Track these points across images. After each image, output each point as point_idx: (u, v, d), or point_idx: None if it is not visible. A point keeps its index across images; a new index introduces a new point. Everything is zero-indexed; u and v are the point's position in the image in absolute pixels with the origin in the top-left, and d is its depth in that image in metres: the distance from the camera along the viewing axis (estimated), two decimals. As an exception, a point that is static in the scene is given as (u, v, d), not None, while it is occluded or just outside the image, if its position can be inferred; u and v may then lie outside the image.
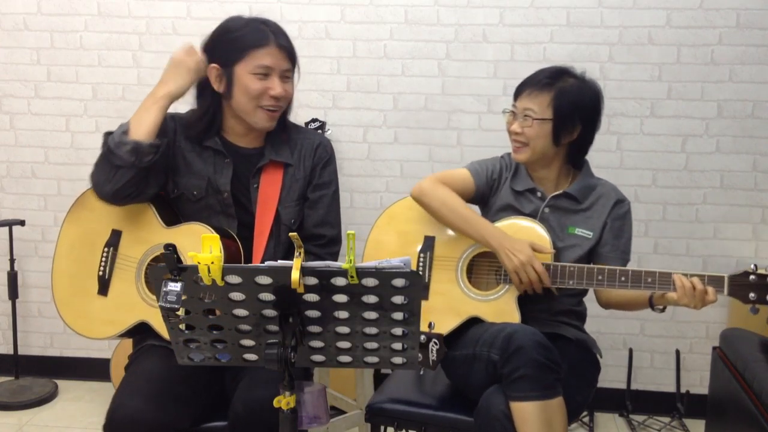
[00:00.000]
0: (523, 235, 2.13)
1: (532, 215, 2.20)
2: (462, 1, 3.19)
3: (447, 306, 2.14)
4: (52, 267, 2.13)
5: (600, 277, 2.05)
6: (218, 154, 2.10)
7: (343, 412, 2.83)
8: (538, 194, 2.22)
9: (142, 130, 1.96)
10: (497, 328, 1.99)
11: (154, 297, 2.02)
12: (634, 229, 3.22)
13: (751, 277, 1.94)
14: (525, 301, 2.15)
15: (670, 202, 3.22)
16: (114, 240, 2.09)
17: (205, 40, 2.10)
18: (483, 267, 2.21)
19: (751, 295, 1.94)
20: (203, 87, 2.09)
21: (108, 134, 1.99)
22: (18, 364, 3.44)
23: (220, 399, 1.99)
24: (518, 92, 2.19)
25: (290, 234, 1.44)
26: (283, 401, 1.47)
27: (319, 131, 3.07)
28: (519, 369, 1.87)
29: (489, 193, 2.29)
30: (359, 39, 3.26)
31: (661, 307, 2.07)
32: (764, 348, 2.34)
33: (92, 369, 3.52)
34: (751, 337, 2.45)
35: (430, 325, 2.02)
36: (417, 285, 1.39)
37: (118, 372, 3.19)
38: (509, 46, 3.20)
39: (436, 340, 1.90)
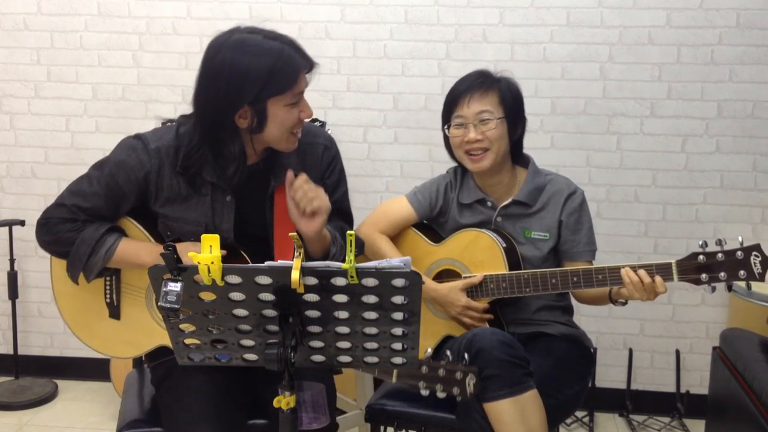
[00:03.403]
0: (475, 248, 2.15)
1: (485, 225, 2.21)
2: (462, 1, 3.19)
3: (422, 329, 2.14)
4: (53, 290, 2.04)
5: (554, 281, 2.05)
6: (217, 190, 1.92)
7: (343, 412, 2.83)
8: (488, 203, 2.22)
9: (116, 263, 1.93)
10: (461, 338, 2.02)
11: None
12: (633, 229, 3.25)
13: (700, 257, 1.91)
14: (499, 307, 2.17)
15: (670, 202, 3.22)
16: (112, 269, 1.97)
17: (208, 78, 1.82)
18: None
19: (703, 276, 1.91)
20: (219, 124, 1.83)
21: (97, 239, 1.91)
22: (18, 364, 3.44)
23: (254, 406, 1.96)
24: (457, 102, 2.16)
25: (290, 234, 1.44)
26: (283, 401, 1.47)
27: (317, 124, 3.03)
28: (484, 370, 1.88)
29: (436, 216, 2.30)
30: (359, 39, 3.26)
31: (622, 300, 2.06)
32: (764, 348, 2.34)
33: (92, 369, 3.51)
34: (751, 337, 2.44)
35: (427, 353, 2.01)
36: (417, 285, 1.39)
37: (118, 372, 3.20)
38: (509, 46, 3.20)
39: (472, 375, 1.90)
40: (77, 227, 1.91)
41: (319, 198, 1.85)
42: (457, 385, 1.90)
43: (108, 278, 2.00)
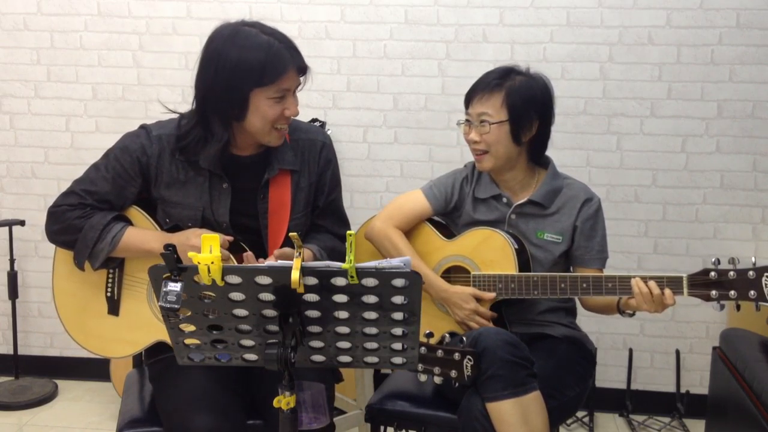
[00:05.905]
0: (487, 247, 2.14)
1: (499, 222, 2.20)
2: (462, 1, 3.19)
3: (425, 324, 2.15)
4: (52, 287, 2.06)
5: (563, 285, 2.05)
6: (215, 177, 1.99)
7: (343, 412, 2.83)
8: (504, 200, 2.21)
9: (122, 252, 1.97)
10: (466, 336, 2.02)
11: None
12: (633, 229, 3.25)
13: (711, 274, 1.91)
14: (504, 306, 2.17)
15: (670, 202, 3.22)
16: (117, 260, 2.01)
17: (203, 65, 1.91)
18: (457, 282, 2.23)
19: (713, 293, 1.91)
20: (211, 108, 1.92)
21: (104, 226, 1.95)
22: (18, 364, 3.44)
23: (252, 401, 1.96)
24: (469, 99, 2.17)
25: (290, 234, 1.44)
26: (283, 401, 1.47)
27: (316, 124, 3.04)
28: (488, 370, 1.88)
29: (450, 211, 2.29)
30: (359, 39, 3.26)
31: (630, 312, 2.05)
32: (764, 348, 2.34)
33: (92, 369, 3.51)
34: (751, 337, 2.45)
35: (427, 335, 2.02)
36: (417, 285, 1.39)
37: (118, 372, 3.20)
38: (509, 46, 3.20)
39: (470, 357, 1.90)
40: (85, 214, 1.97)
41: None
42: (454, 367, 1.90)
43: (111, 271, 2.03)
